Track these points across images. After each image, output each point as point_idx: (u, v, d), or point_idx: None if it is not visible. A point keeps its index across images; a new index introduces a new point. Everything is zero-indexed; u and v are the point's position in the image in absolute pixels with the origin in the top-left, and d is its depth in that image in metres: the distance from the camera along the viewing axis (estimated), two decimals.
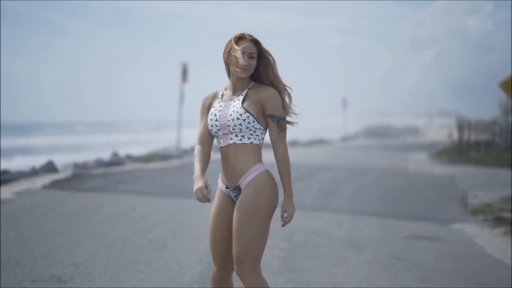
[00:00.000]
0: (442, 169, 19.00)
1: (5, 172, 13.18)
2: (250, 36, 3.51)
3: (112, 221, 8.09)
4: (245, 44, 3.46)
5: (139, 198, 10.48)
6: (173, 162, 18.94)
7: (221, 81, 3.72)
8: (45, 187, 11.58)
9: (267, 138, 3.61)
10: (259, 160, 3.53)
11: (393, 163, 21.34)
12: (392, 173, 17.06)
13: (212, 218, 3.59)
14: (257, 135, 3.51)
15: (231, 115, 3.45)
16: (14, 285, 5.08)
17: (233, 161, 3.48)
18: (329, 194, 12.05)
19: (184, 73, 22.24)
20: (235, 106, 3.47)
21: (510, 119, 29.94)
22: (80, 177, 13.51)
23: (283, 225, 3.62)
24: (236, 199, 3.49)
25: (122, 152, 22.30)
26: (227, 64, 3.56)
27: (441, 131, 57.19)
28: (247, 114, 3.44)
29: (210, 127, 3.53)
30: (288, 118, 3.62)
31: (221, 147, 3.52)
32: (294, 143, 36.12)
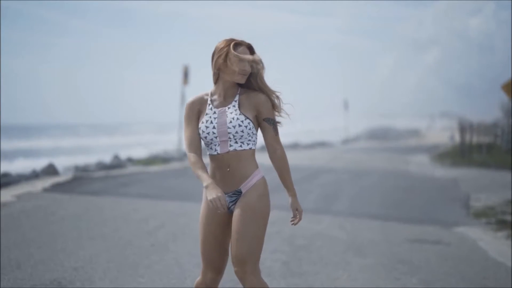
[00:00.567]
0: (444, 172, 18.95)
1: (6, 175, 13.15)
2: (245, 42, 3.54)
3: (113, 224, 8.05)
4: (244, 50, 3.50)
5: (140, 201, 10.43)
6: (174, 165, 18.90)
7: None
8: (46, 190, 11.54)
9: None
10: (257, 164, 3.61)
11: (394, 165, 21.29)
12: (394, 176, 17.01)
13: (207, 224, 3.56)
14: (254, 140, 3.56)
15: (231, 122, 3.46)
16: None
17: (234, 167, 3.50)
18: (331, 196, 12.00)
19: (186, 76, 22.23)
20: (233, 113, 3.48)
21: (511, 121, 29.90)
22: (81, 180, 13.47)
23: (296, 223, 3.72)
24: (233, 203, 3.53)
25: (125, 155, 22.28)
26: (218, 69, 3.53)
27: (442, 133, 57.12)
28: (248, 120, 3.48)
29: (205, 135, 3.49)
30: (279, 119, 3.65)
31: (217, 154, 3.49)
32: (295, 146, 36.09)
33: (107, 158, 20.34)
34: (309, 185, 13.60)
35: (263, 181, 3.58)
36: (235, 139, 3.47)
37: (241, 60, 3.45)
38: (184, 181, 13.70)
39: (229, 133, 3.46)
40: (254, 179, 3.53)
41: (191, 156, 3.50)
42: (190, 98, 3.62)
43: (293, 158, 24.19)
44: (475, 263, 6.62)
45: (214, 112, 3.51)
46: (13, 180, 12.62)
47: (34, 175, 13.82)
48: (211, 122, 3.49)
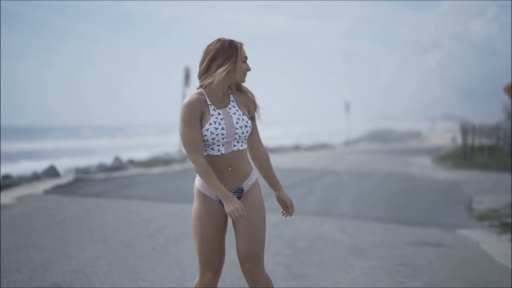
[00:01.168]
0: (446, 174, 18.88)
1: (7, 176, 13.11)
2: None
3: (114, 227, 8.00)
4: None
5: (141, 203, 10.38)
6: (175, 167, 18.86)
7: None
8: (47, 192, 11.50)
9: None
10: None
11: (396, 167, 21.22)
12: (396, 178, 16.95)
13: (205, 227, 3.51)
14: (247, 139, 3.61)
15: (237, 122, 3.47)
16: None
17: (236, 166, 3.51)
18: (333, 199, 11.94)
19: (187, 77, 22.21)
20: (237, 113, 3.50)
21: None
22: (82, 182, 13.42)
23: (291, 215, 3.84)
24: None
25: (127, 157, 22.24)
26: (223, 70, 3.44)
27: (444, 136, 57.04)
28: (249, 121, 3.53)
29: (213, 136, 3.42)
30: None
31: (221, 154, 3.46)
32: (297, 148, 36.04)
33: (108, 160, 20.30)
34: (310, 187, 13.53)
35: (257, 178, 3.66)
36: (238, 139, 3.48)
37: (246, 59, 3.53)
38: (185, 183, 13.64)
39: (236, 133, 3.46)
40: (253, 176, 3.60)
41: (203, 163, 3.39)
42: (186, 99, 3.48)
43: (294, 160, 24.21)
44: (479, 266, 6.55)
45: (219, 113, 3.46)
46: (14, 182, 12.57)
47: (35, 177, 13.77)
48: (219, 123, 3.43)
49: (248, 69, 3.53)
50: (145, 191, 12.24)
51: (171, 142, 34.54)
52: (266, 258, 6.53)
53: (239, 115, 3.49)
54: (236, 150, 3.48)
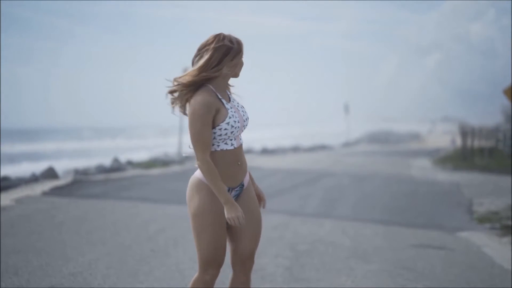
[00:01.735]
0: (446, 176, 18.83)
1: (5, 178, 13.03)
2: None
3: (113, 229, 7.94)
4: None
5: (140, 204, 10.32)
6: (175, 168, 18.79)
7: None
8: (45, 193, 11.43)
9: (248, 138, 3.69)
10: None
11: (396, 169, 21.17)
12: (395, 180, 16.89)
13: (214, 224, 3.46)
14: None
15: (244, 115, 3.53)
16: None
17: (242, 160, 3.55)
18: (333, 201, 11.88)
19: None
20: (240, 106, 3.57)
21: None
22: (81, 184, 13.36)
23: (263, 207, 3.82)
24: (236, 197, 3.54)
25: (127, 158, 22.18)
26: (230, 66, 3.46)
27: (443, 137, 56.99)
28: None
29: (232, 130, 3.41)
30: None
31: (234, 148, 3.46)
32: (296, 149, 35.99)
33: (107, 162, 20.24)
34: (310, 189, 13.47)
35: None
36: (242, 132, 3.55)
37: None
38: (185, 184, 13.50)
39: (244, 126, 3.52)
40: (248, 172, 3.63)
41: (211, 163, 3.35)
42: (200, 96, 3.37)
43: (293, 162, 24.14)
44: (481, 270, 6.49)
45: (231, 108, 3.47)
46: (13, 183, 12.51)
47: (34, 179, 13.71)
48: (236, 117, 3.45)
49: (243, 64, 3.58)
50: (144, 192, 12.17)
51: (171, 144, 34.50)
52: (266, 260, 6.48)
53: (242, 107, 3.56)
54: (241, 143, 3.53)
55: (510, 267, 6.65)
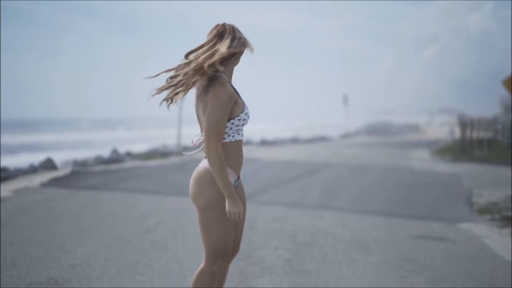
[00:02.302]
0: (445, 167, 18.80)
1: (4, 169, 12.97)
2: None
3: (112, 221, 7.89)
4: None
5: (139, 196, 10.28)
6: (174, 159, 18.74)
7: None
8: (44, 184, 11.38)
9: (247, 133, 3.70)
10: None
11: (395, 160, 21.14)
12: (395, 171, 16.86)
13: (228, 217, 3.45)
14: None
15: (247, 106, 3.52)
16: None
17: (243, 151, 3.55)
18: (333, 192, 11.84)
19: None
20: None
21: (511, 116, 29.75)
22: (79, 175, 13.31)
23: None
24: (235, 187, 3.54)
25: (125, 149, 22.11)
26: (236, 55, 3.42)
27: (442, 129, 57.00)
28: None
29: (247, 120, 3.44)
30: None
31: (242, 137, 3.47)
32: (295, 140, 35.95)
33: (106, 153, 20.17)
34: (310, 181, 13.43)
35: None
36: None
37: None
38: (184, 176, 13.53)
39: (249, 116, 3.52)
40: None
41: (222, 154, 3.30)
42: (224, 86, 3.29)
43: (292, 153, 24.09)
44: (482, 261, 6.46)
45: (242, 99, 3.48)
46: (11, 174, 12.44)
47: (32, 170, 13.65)
48: (247, 108, 3.46)
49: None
50: (143, 184, 12.12)
51: (170, 135, 34.43)
52: (266, 252, 6.45)
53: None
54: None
55: (511, 259, 6.62)
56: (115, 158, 17.97)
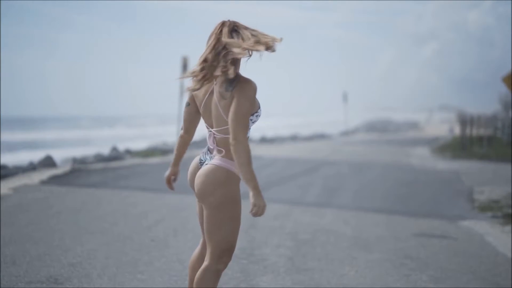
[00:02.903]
0: (446, 164, 18.77)
1: (3, 167, 12.91)
2: None
3: (112, 218, 7.85)
4: None
5: (139, 194, 10.23)
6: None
7: None
8: (43, 182, 11.33)
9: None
10: None
11: (395, 158, 21.11)
12: (395, 168, 16.83)
13: (240, 212, 3.44)
14: None
15: None
16: (8, 286, 4.84)
17: None
18: (333, 190, 11.80)
19: (185, 67, 21.96)
20: None
21: (510, 113, 29.72)
22: (79, 172, 13.26)
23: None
24: None
25: (125, 147, 22.06)
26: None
27: (441, 126, 56.95)
28: None
29: (259, 117, 3.44)
30: None
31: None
32: (294, 138, 35.91)
33: (106, 150, 20.12)
34: (310, 178, 13.39)
35: None
36: None
37: None
38: (184, 173, 13.47)
39: None
40: None
41: (249, 149, 3.28)
42: (248, 80, 3.33)
43: (292, 151, 24.04)
44: (485, 259, 6.43)
45: None
46: (10, 172, 12.39)
47: (31, 167, 13.60)
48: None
49: None
50: (143, 181, 12.08)
51: (170, 133, 34.37)
52: (268, 250, 6.40)
53: None
54: None
55: None
56: (115, 155, 17.93)
